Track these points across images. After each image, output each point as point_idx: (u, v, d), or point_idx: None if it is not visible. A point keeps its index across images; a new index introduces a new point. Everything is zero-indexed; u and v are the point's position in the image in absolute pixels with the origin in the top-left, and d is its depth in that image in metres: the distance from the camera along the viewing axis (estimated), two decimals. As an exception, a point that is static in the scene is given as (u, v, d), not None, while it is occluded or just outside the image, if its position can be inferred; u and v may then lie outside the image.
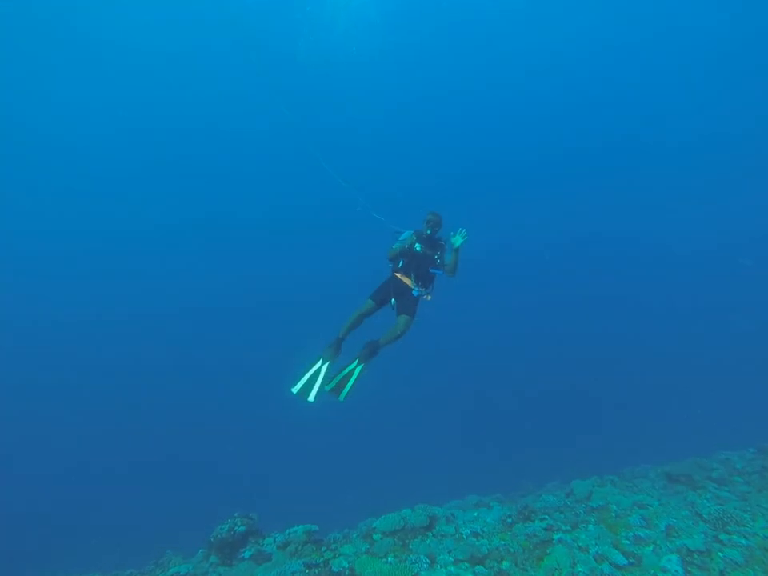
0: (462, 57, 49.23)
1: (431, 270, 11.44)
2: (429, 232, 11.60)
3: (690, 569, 7.39)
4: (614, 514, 11.39)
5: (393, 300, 11.57)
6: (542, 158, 57.98)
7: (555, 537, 10.38)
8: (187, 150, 55.03)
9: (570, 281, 57.47)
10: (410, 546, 10.89)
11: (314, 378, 10.46)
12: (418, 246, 11.38)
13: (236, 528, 12.63)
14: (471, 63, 49.14)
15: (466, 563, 10.01)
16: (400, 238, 11.49)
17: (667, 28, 45.24)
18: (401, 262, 11.39)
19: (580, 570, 8.89)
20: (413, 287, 11.42)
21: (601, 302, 54.72)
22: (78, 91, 46.65)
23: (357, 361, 10.86)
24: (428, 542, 11.15)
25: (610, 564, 9.21)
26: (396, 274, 11.53)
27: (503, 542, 10.87)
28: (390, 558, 10.13)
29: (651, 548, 9.60)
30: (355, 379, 10.63)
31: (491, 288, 53.10)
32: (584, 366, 44.73)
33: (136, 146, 54.17)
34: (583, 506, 11.31)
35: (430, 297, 11.67)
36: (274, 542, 12.55)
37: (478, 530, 11.84)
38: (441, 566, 9.87)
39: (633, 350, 47.25)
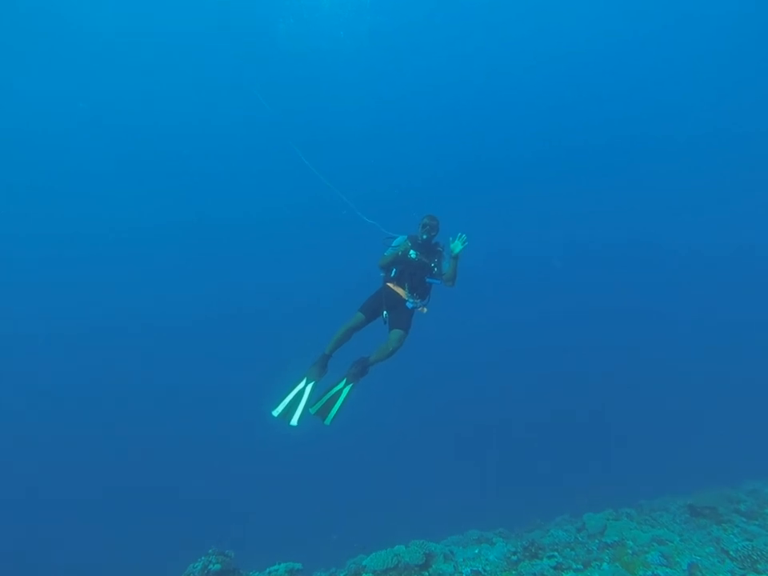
0: (460, 43, 48.86)
1: (427, 280, 11.30)
2: (425, 237, 11.45)
3: (715, 612, 7.28)
4: (630, 551, 11.23)
5: (385, 313, 11.42)
6: (547, 155, 56.58)
7: (565, 576, 10.29)
8: (155, 146, 54.51)
9: (580, 289, 56.45)
10: (404, 587, 10.73)
11: (297, 400, 10.22)
12: (412, 253, 11.18)
13: (210, 566, 12.48)
14: (471, 50, 48.68)
15: (466, 606, 9.86)
16: (393, 244, 11.29)
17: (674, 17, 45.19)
18: (393, 271, 11.22)
19: (593, 613, 8.76)
20: (407, 298, 11.40)
21: (614, 314, 53.18)
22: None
23: (344, 380, 10.68)
24: (424, 582, 11.02)
25: (627, 607, 9.09)
26: (388, 284, 11.39)
27: (508, 582, 10.76)
28: (380, 601, 9.91)
29: (672, 589, 9.49)
30: (343, 401, 10.46)
31: (492, 298, 52.19)
32: (596, 385, 44.31)
33: (102, 142, 53.80)
34: (596, 541, 11.17)
35: (426, 309, 11.51)
36: (253, 582, 12.44)
37: (480, 569, 11.70)
38: (438, 610, 9.70)
39: (650, 366, 46.63)
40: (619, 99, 50.68)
